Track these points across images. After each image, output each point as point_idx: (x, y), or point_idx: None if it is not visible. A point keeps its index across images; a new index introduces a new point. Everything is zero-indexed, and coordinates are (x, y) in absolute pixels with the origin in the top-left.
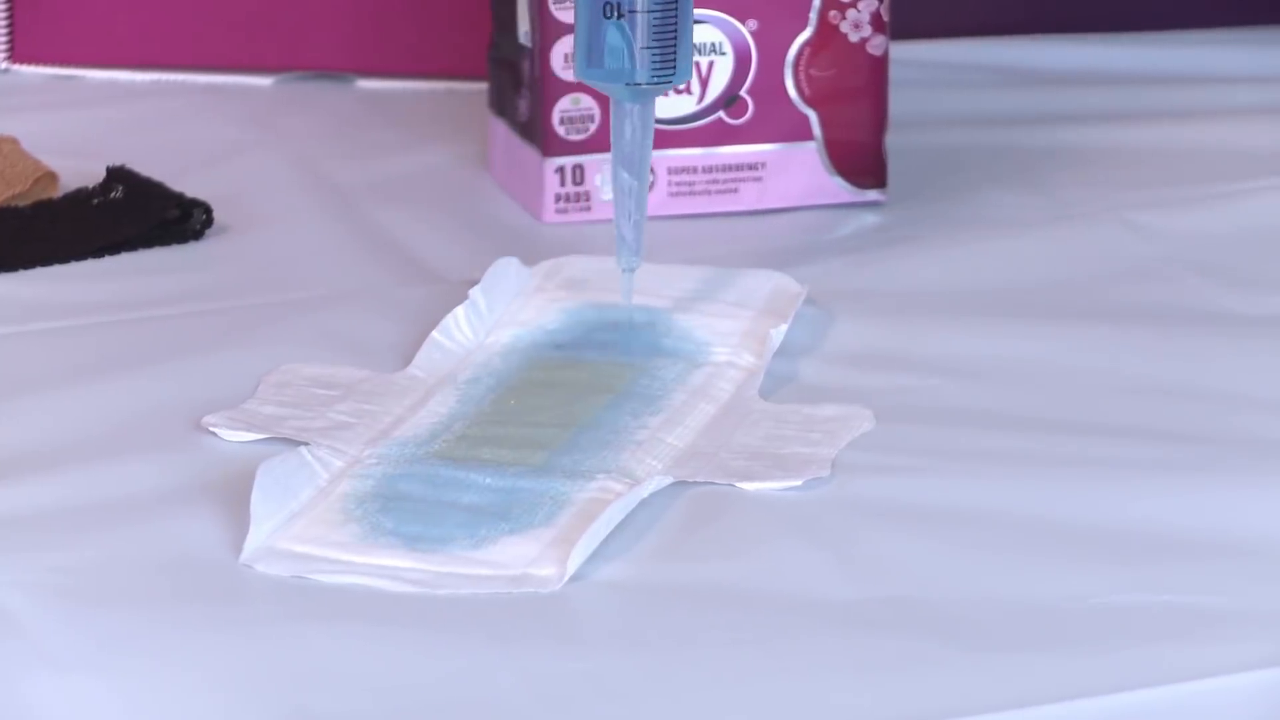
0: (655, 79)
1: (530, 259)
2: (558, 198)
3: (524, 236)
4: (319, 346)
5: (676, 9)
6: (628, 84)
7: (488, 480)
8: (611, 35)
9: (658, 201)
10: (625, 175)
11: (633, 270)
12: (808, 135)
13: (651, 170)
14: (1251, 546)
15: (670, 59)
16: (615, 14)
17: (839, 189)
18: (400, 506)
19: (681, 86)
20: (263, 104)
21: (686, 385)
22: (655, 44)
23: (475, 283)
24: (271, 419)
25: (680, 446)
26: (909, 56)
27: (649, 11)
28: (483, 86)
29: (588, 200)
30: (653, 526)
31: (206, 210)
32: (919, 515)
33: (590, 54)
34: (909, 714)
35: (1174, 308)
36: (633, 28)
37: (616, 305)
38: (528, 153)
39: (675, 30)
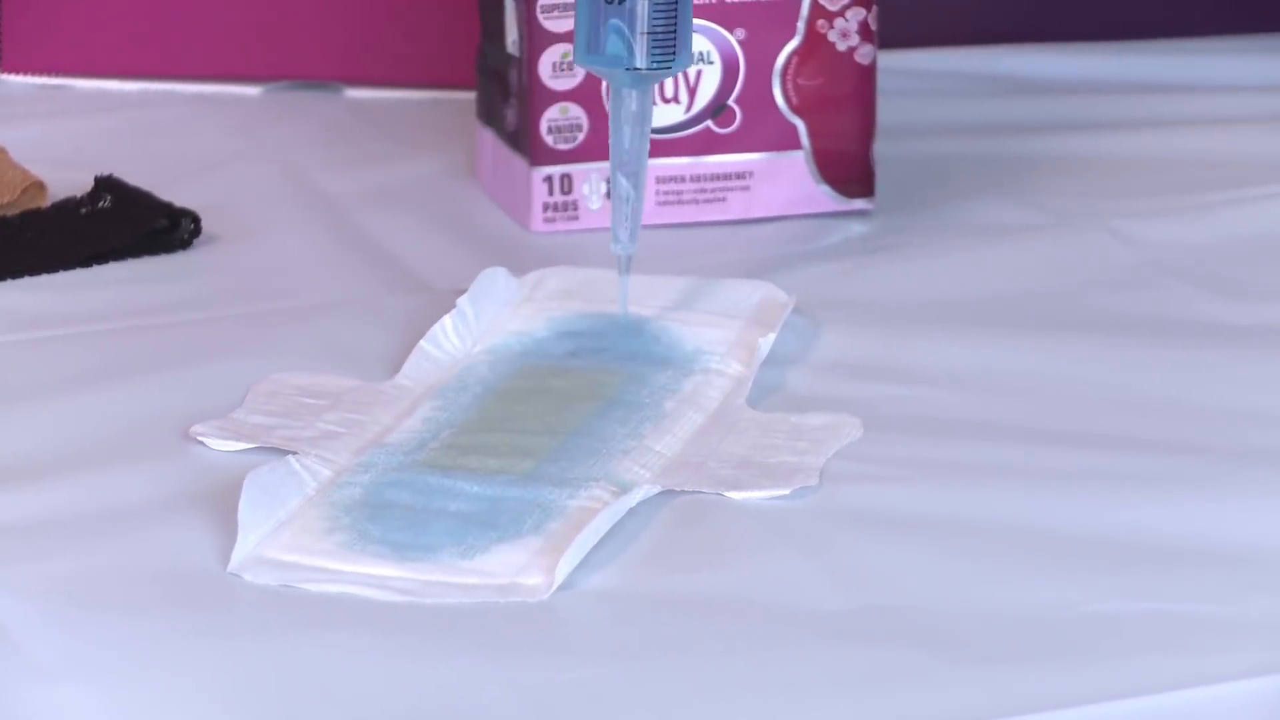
0: (655, 65)
1: (518, 268)
2: (546, 207)
3: (512, 246)
4: (307, 356)
5: None
6: (628, 69)
7: (475, 488)
8: (612, 21)
9: (645, 211)
10: (625, 160)
11: (629, 257)
12: (795, 144)
13: None
14: (1239, 554)
15: (670, 45)
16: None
17: (826, 198)
18: (387, 514)
19: (669, 95)
20: (251, 113)
21: (674, 394)
22: (656, 29)
23: (463, 292)
24: (260, 428)
25: (668, 455)
26: (897, 65)
27: None
28: (471, 96)
29: (575, 209)
30: (640, 535)
31: (195, 220)
32: (906, 524)
33: (590, 40)
34: None
35: (1162, 317)
36: (633, 13)
37: (604, 314)
38: (516, 162)
39: (675, 16)
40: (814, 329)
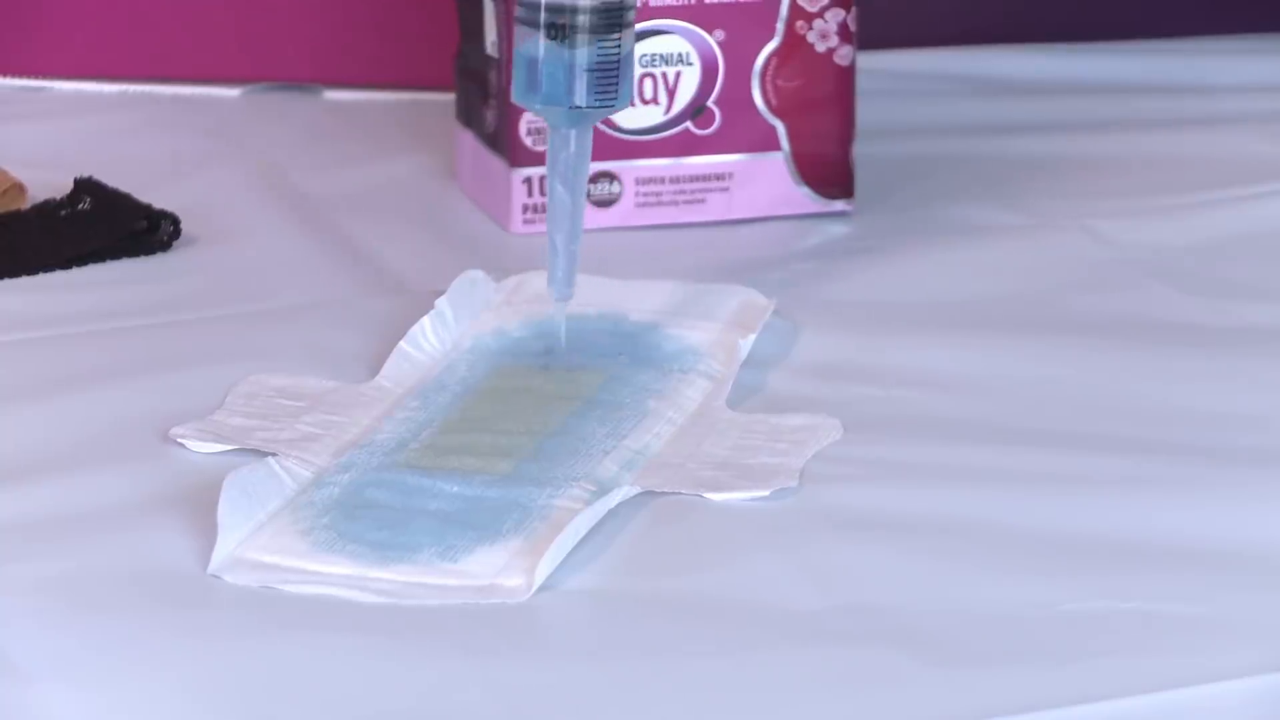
0: (597, 103)
1: (498, 269)
2: (525, 208)
3: (491, 247)
4: (286, 357)
5: (620, 31)
6: (569, 108)
7: (455, 488)
8: (551, 58)
9: (624, 212)
10: (561, 200)
11: (565, 301)
12: (775, 146)
13: (618, 180)
14: (1218, 554)
15: (612, 83)
16: (559, 35)
17: (806, 199)
18: (367, 515)
19: (649, 97)
20: (230, 115)
21: (655, 394)
22: (597, 67)
23: (442, 293)
24: (239, 430)
25: (648, 456)
26: (876, 66)
27: (591, 32)
28: (450, 97)
29: None
30: (620, 536)
31: (174, 221)
32: (886, 525)
33: (529, 77)
34: None
35: (1141, 318)
36: (574, 50)
37: (583, 314)
38: (495, 163)
39: (618, 52)
40: (793, 330)
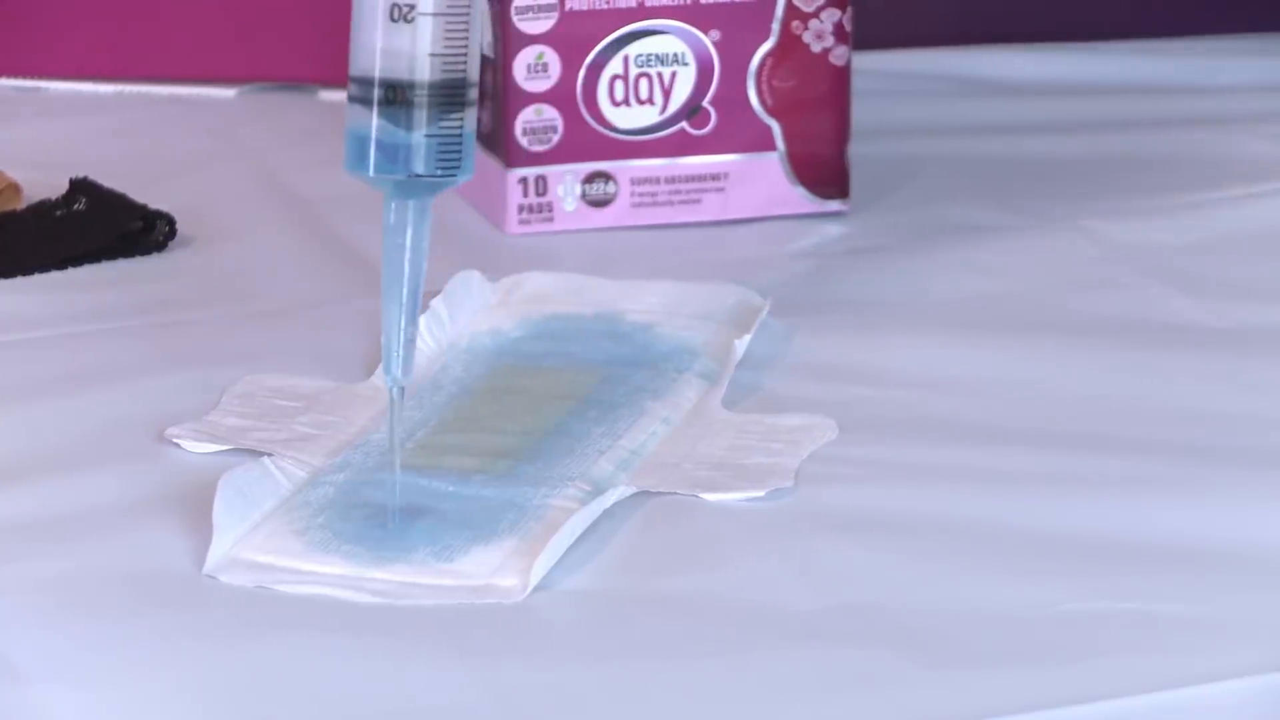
0: (438, 171)
1: (493, 270)
2: (521, 209)
3: (487, 247)
4: (282, 357)
5: (463, 110)
6: (404, 178)
7: (450, 488)
8: (385, 121)
9: (620, 212)
10: (396, 277)
11: (402, 389)
12: (770, 146)
13: (614, 180)
14: (1215, 554)
15: (456, 149)
16: (394, 97)
17: (801, 199)
18: (362, 513)
19: (644, 97)
20: (225, 115)
21: (650, 394)
22: (439, 132)
23: (438, 293)
24: (234, 430)
25: (643, 456)
26: (872, 66)
27: (432, 88)
28: None
29: (550, 211)
30: (616, 537)
31: (170, 222)
32: (882, 525)
33: (360, 144)
34: None
35: (1137, 319)
36: (411, 112)
37: (580, 315)
38: (490, 164)
39: (462, 115)
40: (789, 330)
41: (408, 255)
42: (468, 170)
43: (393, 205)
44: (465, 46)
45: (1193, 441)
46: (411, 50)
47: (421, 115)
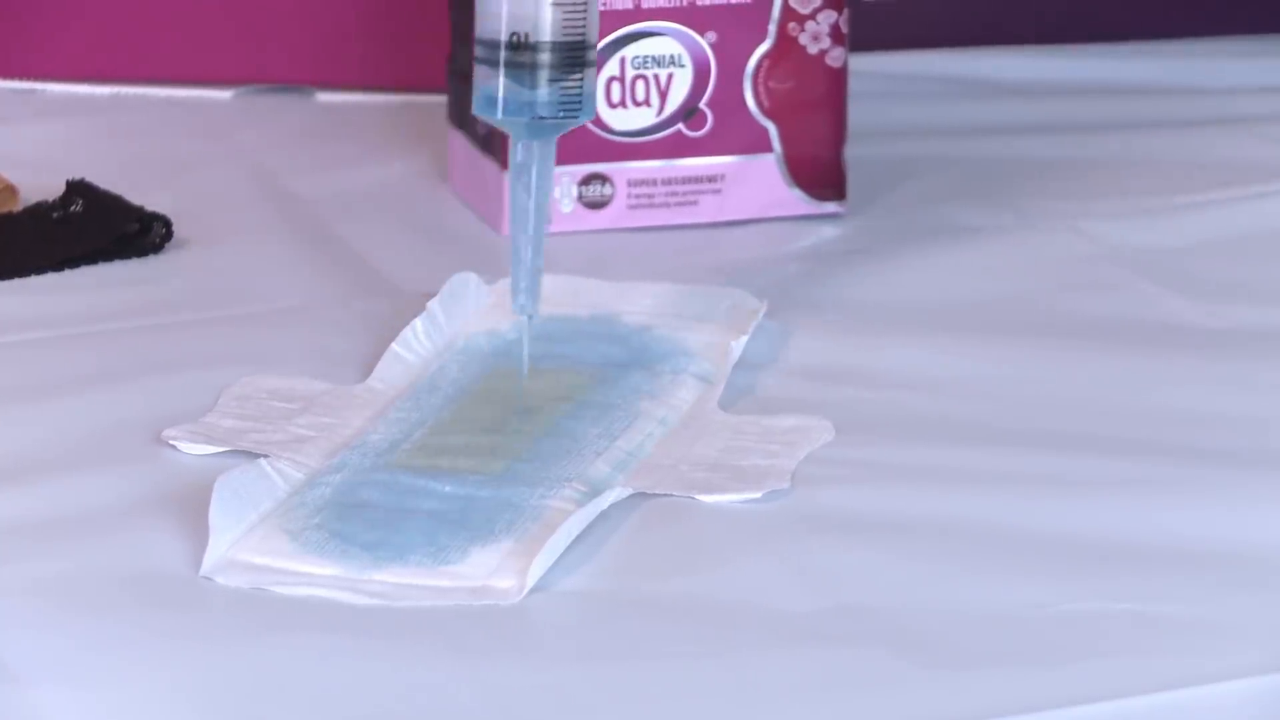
0: (560, 114)
1: (490, 272)
2: None
3: (483, 249)
4: (279, 359)
5: (584, 39)
6: (530, 119)
7: (447, 488)
8: (511, 81)
9: (617, 214)
10: (524, 209)
11: (530, 317)
12: (767, 147)
13: (610, 182)
14: (1212, 555)
15: (577, 94)
16: (521, 43)
17: (798, 201)
18: (359, 514)
19: (641, 98)
20: (222, 117)
21: (647, 396)
22: (561, 77)
23: (434, 295)
24: (231, 432)
25: (640, 457)
26: (868, 68)
27: (555, 41)
28: (442, 99)
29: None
30: (611, 538)
31: (166, 224)
32: (878, 527)
33: (489, 88)
34: None
35: (1133, 320)
36: (537, 60)
37: (576, 316)
38: (487, 165)
39: (583, 61)
40: (785, 332)
41: (534, 190)
42: (589, 112)
43: (519, 145)
44: (584, 12)
45: (1189, 442)
46: (535, 14)
47: (544, 75)
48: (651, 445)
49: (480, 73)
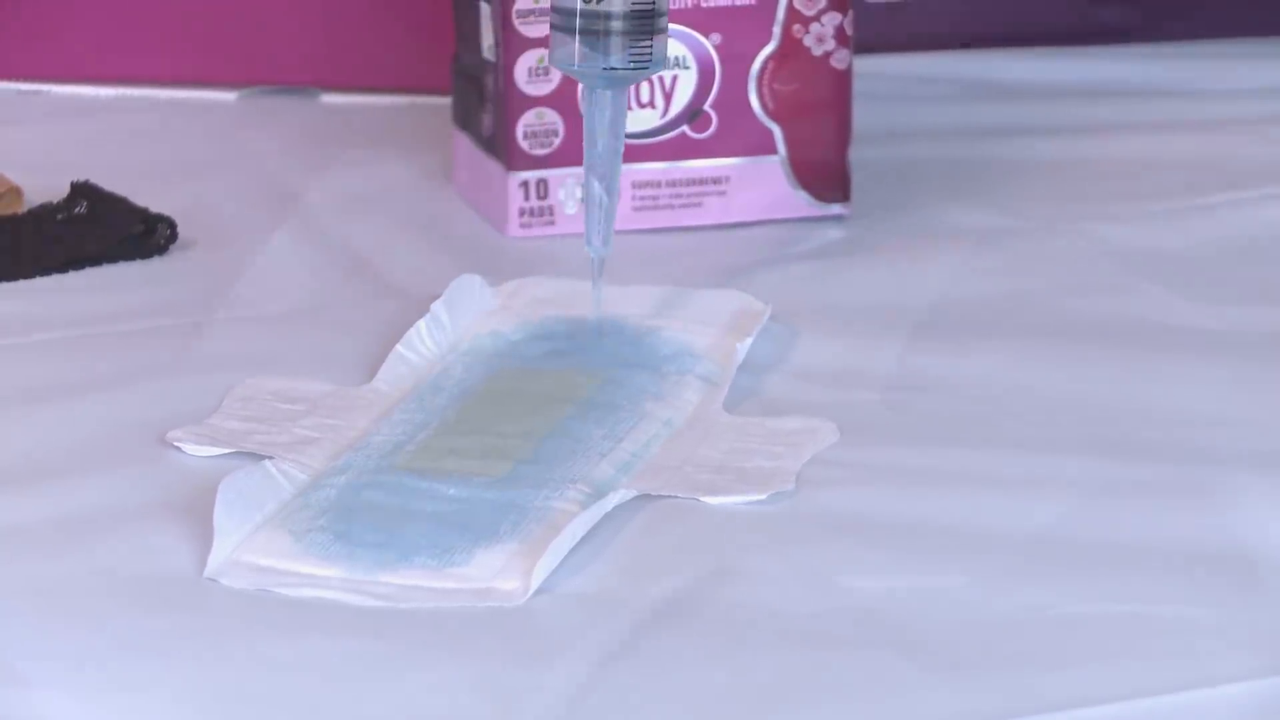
0: (631, 66)
1: (494, 273)
2: (522, 212)
3: (488, 251)
4: (283, 361)
5: (654, 6)
6: (603, 70)
7: (452, 490)
8: (585, 47)
9: (621, 216)
10: (598, 153)
11: (602, 260)
12: (771, 149)
13: None
14: (1214, 558)
15: (647, 47)
16: (595, 11)
17: (802, 203)
18: (364, 517)
19: (645, 100)
20: (227, 119)
21: (651, 397)
22: (633, 30)
23: (439, 297)
24: (236, 434)
25: (645, 459)
26: (873, 70)
27: (626, 18)
28: (447, 100)
29: (552, 215)
30: (616, 539)
31: (171, 225)
32: (883, 529)
33: (564, 41)
34: None
35: (1138, 322)
36: (610, 15)
37: (580, 318)
38: (492, 167)
39: (652, 17)
40: (790, 334)
41: (606, 136)
42: (659, 64)
43: (593, 95)
44: None
45: (1192, 444)
46: None
47: (617, 41)
48: (656, 447)
49: (556, 39)
